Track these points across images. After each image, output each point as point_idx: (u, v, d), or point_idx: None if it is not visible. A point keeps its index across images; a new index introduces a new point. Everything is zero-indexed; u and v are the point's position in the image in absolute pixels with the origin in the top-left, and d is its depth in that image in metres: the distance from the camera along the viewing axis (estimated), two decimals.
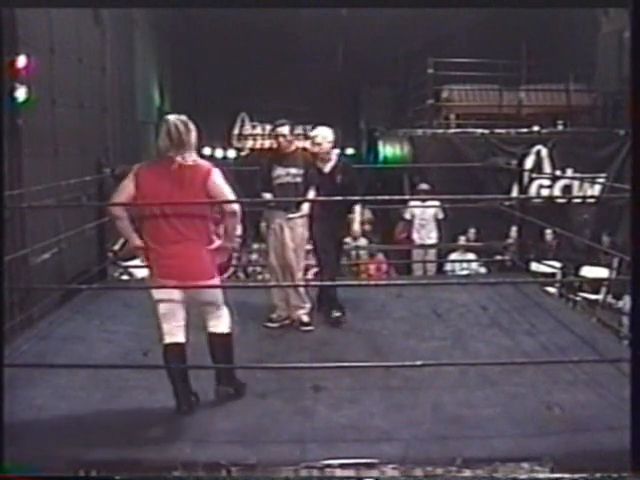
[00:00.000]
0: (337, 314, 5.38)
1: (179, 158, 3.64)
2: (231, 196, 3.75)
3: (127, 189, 3.71)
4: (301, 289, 5.27)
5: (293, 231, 5.21)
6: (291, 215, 5.18)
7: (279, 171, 5.18)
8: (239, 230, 3.73)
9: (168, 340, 3.73)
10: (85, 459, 3.29)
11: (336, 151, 5.60)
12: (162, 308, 3.73)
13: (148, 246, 3.73)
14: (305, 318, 5.27)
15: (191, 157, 3.68)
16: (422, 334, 5.13)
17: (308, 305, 5.30)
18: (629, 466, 2.88)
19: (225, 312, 3.87)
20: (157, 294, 3.74)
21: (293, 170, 5.18)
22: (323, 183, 5.24)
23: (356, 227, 5.79)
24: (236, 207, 3.76)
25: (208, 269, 3.75)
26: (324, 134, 5.44)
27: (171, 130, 3.64)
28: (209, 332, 3.86)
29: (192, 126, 3.70)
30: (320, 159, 5.42)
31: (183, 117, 3.72)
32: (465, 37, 12.61)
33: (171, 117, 3.72)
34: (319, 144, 5.41)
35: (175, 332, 3.74)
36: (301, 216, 5.22)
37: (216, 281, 3.84)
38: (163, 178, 3.67)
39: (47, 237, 6.08)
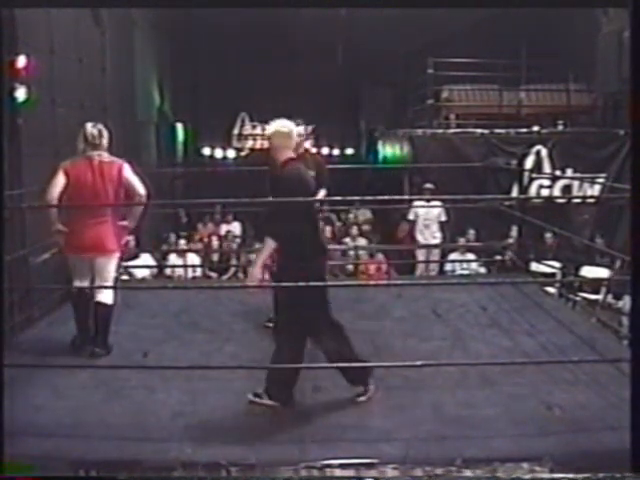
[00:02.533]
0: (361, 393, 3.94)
1: (97, 156, 4.55)
2: (139, 184, 4.65)
3: (60, 182, 4.52)
4: None
5: None
6: None
7: None
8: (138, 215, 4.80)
9: (78, 284, 4.66)
10: (85, 459, 3.30)
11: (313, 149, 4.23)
12: (75, 272, 4.72)
13: (70, 228, 4.57)
14: None
15: (106, 155, 4.60)
16: (422, 334, 5.13)
17: None
18: (629, 466, 2.88)
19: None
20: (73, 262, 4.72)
21: None
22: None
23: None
24: (144, 194, 4.64)
25: (116, 244, 4.70)
26: (278, 126, 3.96)
27: (87, 135, 4.56)
28: (96, 301, 4.62)
29: (105, 132, 4.63)
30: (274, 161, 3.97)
31: (99, 125, 4.62)
32: (465, 37, 12.59)
33: (88, 125, 4.60)
34: (271, 139, 3.96)
35: (83, 282, 4.68)
36: None
37: (118, 254, 4.78)
38: (87, 171, 4.54)
39: (47, 237, 6.07)
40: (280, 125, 3.97)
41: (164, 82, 14.33)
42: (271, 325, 5.20)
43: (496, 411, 3.75)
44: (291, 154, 3.96)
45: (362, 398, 3.90)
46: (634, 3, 3.06)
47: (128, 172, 4.67)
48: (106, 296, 4.65)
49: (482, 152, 10.41)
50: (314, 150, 12.87)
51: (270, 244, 3.72)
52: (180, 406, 3.85)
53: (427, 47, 12.10)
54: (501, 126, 10.96)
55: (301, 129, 5.10)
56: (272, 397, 3.81)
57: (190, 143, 16.75)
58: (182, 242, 10.27)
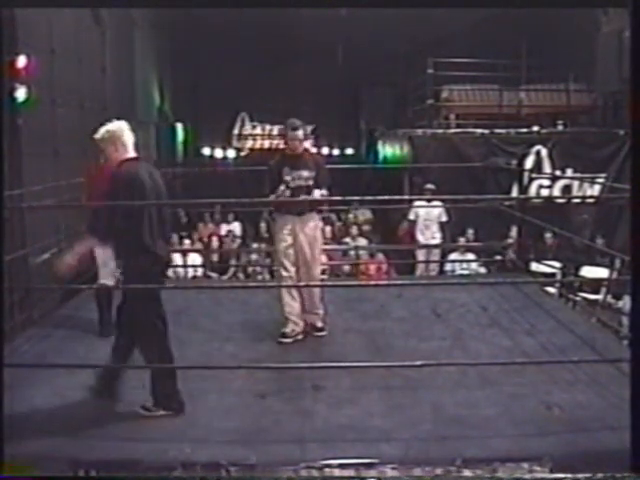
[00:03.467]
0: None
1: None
2: None
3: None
4: (316, 294, 5.17)
5: (307, 235, 5.08)
6: (305, 217, 5.06)
7: (290, 174, 4.99)
8: None
9: (102, 281, 5.17)
10: (85, 459, 3.30)
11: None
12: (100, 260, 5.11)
13: None
14: (319, 323, 5.19)
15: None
16: (422, 334, 5.13)
17: (321, 311, 5.21)
18: (629, 466, 2.88)
19: None
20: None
21: (305, 173, 5.01)
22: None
23: None
24: None
25: None
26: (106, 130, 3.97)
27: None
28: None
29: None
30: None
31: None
32: (465, 37, 12.60)
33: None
34: (100, 145, 4.02)
35: (105, 277, 5.18)
36: (313, 218, 5.15)
37: None
38: (90, 169, 5.18)
39: (47, 237, 6.08)
40: (107, 128, 3.87)
41: (164, 82, 14.34)
42: (285, 341, 5.01)
43: (496, 411, 3.75)
44: (129, 154, 3.84)
45: (144, 412, 3.75)
46: (634, 3, 3.06)
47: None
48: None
49: (482, 152, 10.40)
50: (314, 150, 12.93)
51: (91, 241, 3.78)
52: None
53: (427, 47, 12.11)
54: (501, 126, 10.96)
55: (300, 131, 5.04)
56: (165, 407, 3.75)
57: (190, 143, 16.76)
58: (187, 242, 10.25)
